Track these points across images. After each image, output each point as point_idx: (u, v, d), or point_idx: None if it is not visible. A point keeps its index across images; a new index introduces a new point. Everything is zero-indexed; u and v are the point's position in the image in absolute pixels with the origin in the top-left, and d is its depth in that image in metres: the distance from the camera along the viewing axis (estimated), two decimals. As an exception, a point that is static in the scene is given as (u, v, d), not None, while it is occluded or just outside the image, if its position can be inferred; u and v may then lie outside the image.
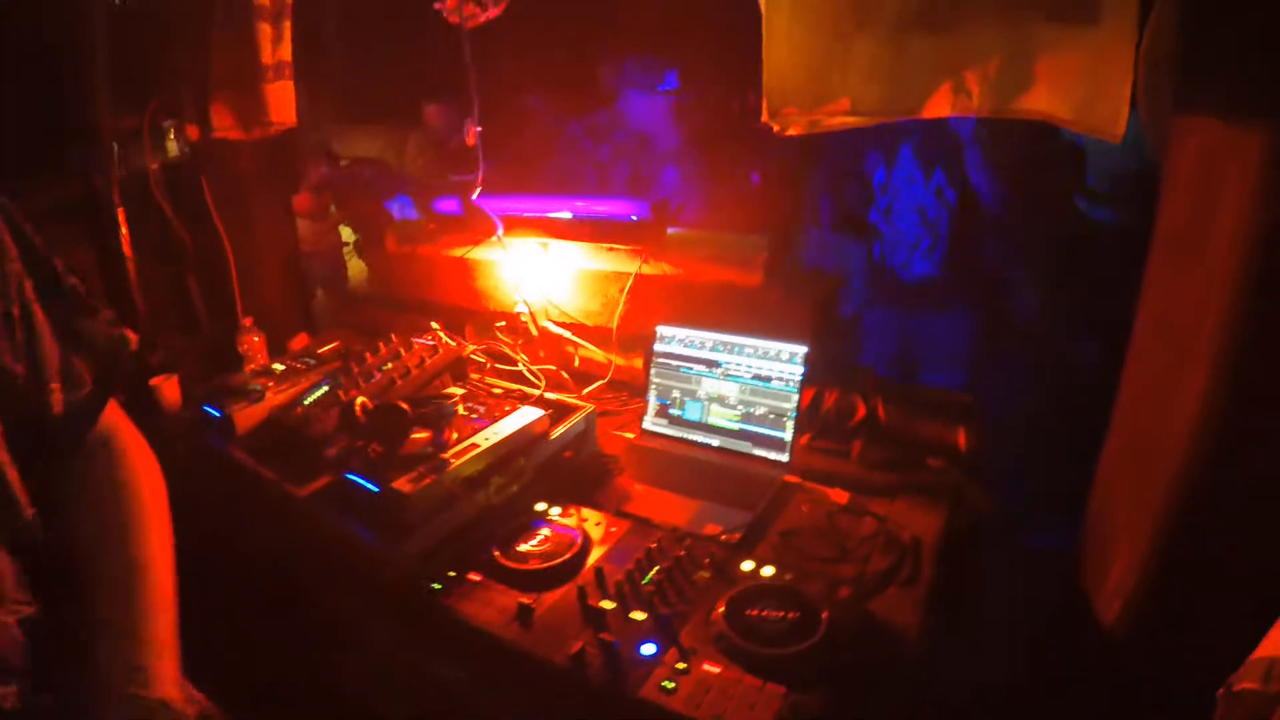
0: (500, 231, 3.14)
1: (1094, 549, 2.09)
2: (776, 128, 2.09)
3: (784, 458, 2.44)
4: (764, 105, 2.08)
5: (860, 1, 1.92)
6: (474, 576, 1.95)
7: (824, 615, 1.69)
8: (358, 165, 5.91)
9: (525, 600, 1.81)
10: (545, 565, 1.94)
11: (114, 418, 1.51)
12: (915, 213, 4.18)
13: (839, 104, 2.01)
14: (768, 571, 1.91)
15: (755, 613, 1.73)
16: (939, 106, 1.93)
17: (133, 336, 1.50)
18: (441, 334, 2.89)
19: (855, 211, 4.53)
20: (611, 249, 3.09)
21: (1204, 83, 1.64)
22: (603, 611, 1.78)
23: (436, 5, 2.90)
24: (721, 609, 1.74)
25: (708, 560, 1.95)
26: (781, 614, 1.72)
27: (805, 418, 2.52)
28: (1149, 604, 1.85)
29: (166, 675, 1.27)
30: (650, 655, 1.66)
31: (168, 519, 1.46)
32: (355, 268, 6.53)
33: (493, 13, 2.89)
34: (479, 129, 2.96)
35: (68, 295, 1.41)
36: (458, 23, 2.87)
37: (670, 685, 1.58)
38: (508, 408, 2.38)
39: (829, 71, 1.99)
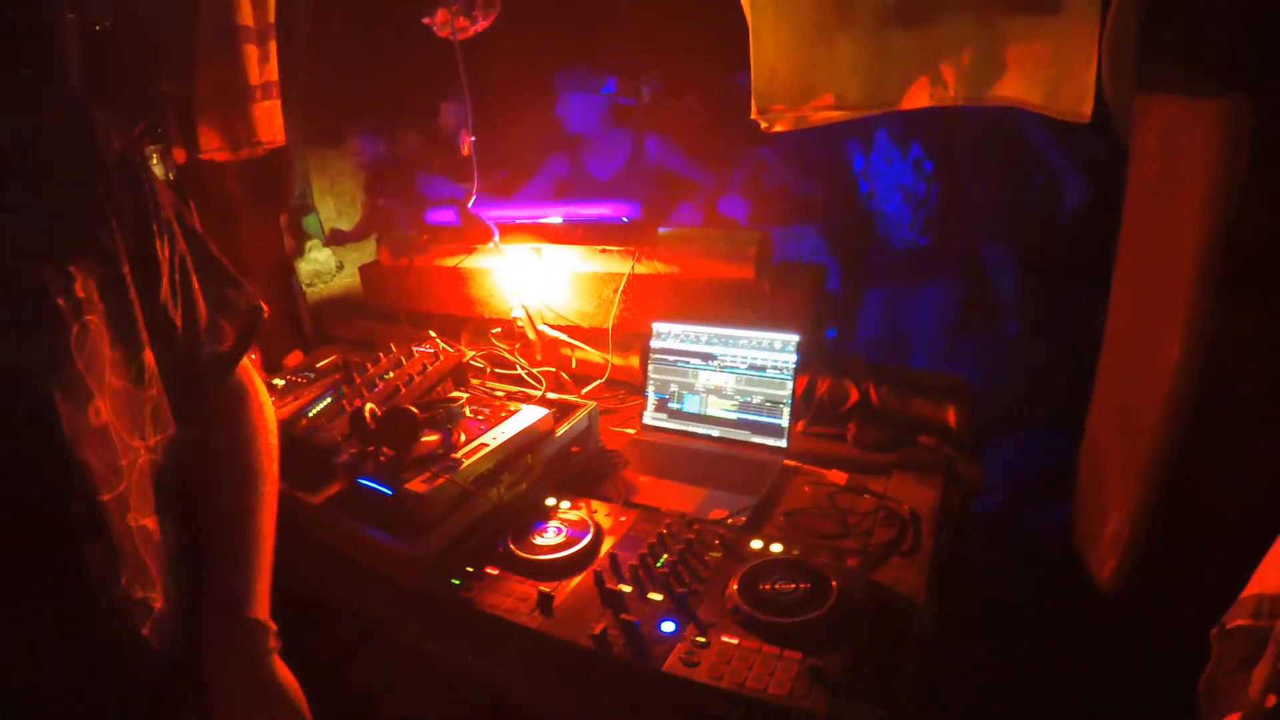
0: (497, 238, 3.20)
1: (1087, 510, 2.17)
2: (764, 125, 2.16)
3: (782, 443, 2.51)
4: (753, 103, 2.14)
5: (841, 1, 1.99)
6: (491, 570, 2.00)
7: (834, 584, 1.75)
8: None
9: (545, 589, 1.86)
10: (560, 555, 1.99)
11: (247, 369, 1.75)
12: (898, 191, 4.26)
13: (824, 99, 2.08)
14: (776, 548, 1.96)
15: (768, 586, 1.79)
16: (917, 98, 2.00)
17: (265, 307, 1.74)
18: (440, 341, 2.94)
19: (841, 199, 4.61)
20: (604, 250, 3.15)
21: (1163, 63, 1.73)
22: (621, 594, 1.83)
23: (425, 20, 2.96)
24: (735, 584, 1.80)
25: (717, 541, 2.01)
26: (793, 585, 1.78)
27: (800, 404, 2.59)
28: (1142, 557, 1.93)
29: (262, 599, 1.51)
30: (671, 632, 1.72)
31: (276, 455, 1.71)
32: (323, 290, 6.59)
33: (482, 25, 2.95)
34: (473, 139, 3.01)
35: (219, 269, 1.64)
36: (448, 36, 2.92)
37: (693, 659, 1.64)
38: (512, 408, 2.43)
39: (814, 68, 2.07)
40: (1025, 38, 1.88)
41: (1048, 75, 1.88)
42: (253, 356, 1.78)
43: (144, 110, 3.21)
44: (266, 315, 1.76)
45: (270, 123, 3.32)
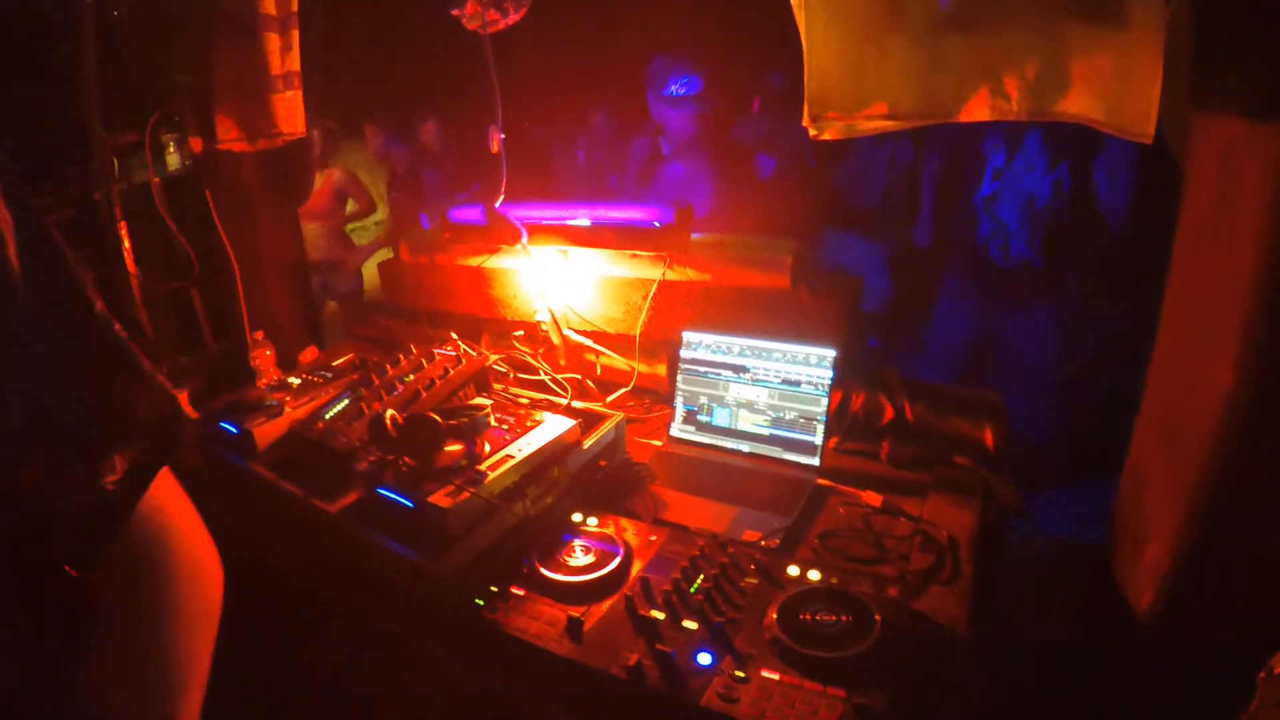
0: (525, 239, 3.11)
1: (1125, 535, 2.09)
2: (814, 132, 2.08)
3: (815, 461, 2.43)
4: (805, 110, 2.06)
5: (895, 4, 1.90)
6: (517, 590, 1.93)
7: (878, 617, 1.68)
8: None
9: (574, 613, 1.78)
10: (590, 577, 1.91)
11: (158, 506, 1.10)
12: (1025, 202, 4.12)
13: (876, 108, 1.99)
14: (814, 575, 1.89)
15: (808, 616, 1.71)
16: (977, 110, 1.91)
17: (192, 414, 1.12)
18: (461, 344, 2.86)
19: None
20: (634, 255, 3.07)
21: (1221, 79, 1.65)
22: (654, 621, 1.76)
23: (454, 12, 2.87)
24: (774, 614, 1.72)
25: (753, 566, 1.93)
26: (835, 617, 1.71)
27: (834, 420, 2.50)
28: (1184, 589, 1.86)
29: None
30: (708, 665, 1.64)
31: (215, 626, 1.12)
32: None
33: (513, 18, 2.87)
34: (503, 136, 2.93)
35: (104, 344, 1.06)
36: (477, 29, 2.84)
37: (732, 694, 1.56)
38: (538, 418, 2.35)
39: (865, 74, 1.98)
40: (1088, 50, 1.79)
41: (1110, 90, 1.79)
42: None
43: (159, 99, 3.12)
44: (194, 420, 1.10)
45: (291, 114, 3.24)
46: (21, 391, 0.92)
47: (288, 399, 2.70)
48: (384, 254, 6.89)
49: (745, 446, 2.55)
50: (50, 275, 0.99)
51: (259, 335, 3.09)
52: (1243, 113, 1.59)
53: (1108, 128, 1.81)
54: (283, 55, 3.12)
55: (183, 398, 1.11)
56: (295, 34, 3.14)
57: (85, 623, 1.01)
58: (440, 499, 1.95)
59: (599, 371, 3.11)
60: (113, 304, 2.94)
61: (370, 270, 6.49)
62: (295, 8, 3.11)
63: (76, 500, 0.97)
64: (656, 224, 2.96)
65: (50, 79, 2.78)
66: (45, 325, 0.96)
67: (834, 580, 1.87)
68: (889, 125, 2.02)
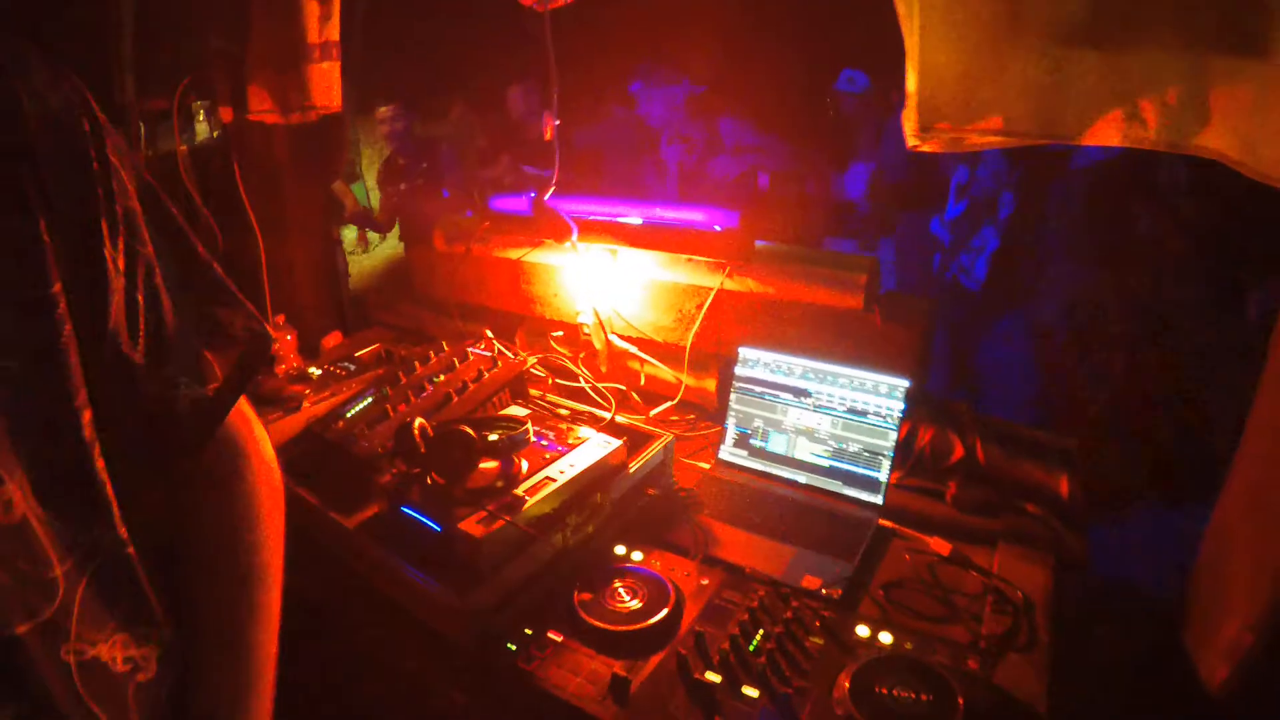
0: (575, 236, 2.92)
1: (1202, 603, 1.94)
2: (915, 143, 1.88)
3: (878, 499, 2.24)
4: (914, 118, 1.86)
5: (1019, 8, 1.71)
6: (554, 635, 1.74)
7: (960, 700, 1.50)
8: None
9: (619, 670, 1.59)
10: (639, 626, 1.72)
11: (244, 420, 1.34)
12: (992, 221, 4.00)
13: (991, 121, 1.80)
14: (885, 638, 1.71)
15: (884, 690, 1.53)
16: (1105, 133, 1.72)
17: (274, 334, 1.37)
18: (497, 344, 2.66)
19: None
20: (690, 260, 2.89)
21: None
22: (710, 686, 1.57)
23: (510, -15, 2.68)
24: (846, 685, 1.54)
25: (819, 624, 1.74)
26: (913, 694, 1.53)
27: (899, 455, 2.31)
28: (1264, 669, 1.69)
29: None
30: (773, 745, 1.44)
31: (282, 535, 1.35)
32: (354, 268, 6.39)
33: (573, -5, 2.66)
34: (557, 123, 2.73)
35: (207, 279, 1.25)
36: (534, 4, 2.63)
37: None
38: (580, 435, 2.15)
39: (981, 84, 1.79)
40: (1230, 80, 1.60)
41: (1247, 126, 1.61)
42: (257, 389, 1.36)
43: (190, 65, 2.95)
44: (275, 345, 1.29)
45: (326, 86, 3.08)
46: (152, 310, 1.11)
47: (307, 392, 2.53)
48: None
49: (802, 477, 2.35)
50: (163, 219, 1.15)
51: (279, 319, 2.91)
52: None
53: (1242, 168, 1.63)
54: (321, 24, 2.97)
55: (269, 327, 1.31)
56: (336, 2, 2.97)
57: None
58: (472, 526, 1.76)
59: (642, 382, 2.92)
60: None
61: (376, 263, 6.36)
62: (339, -28, 2.95)
63: (188, 404, 1.18)
64: (718, 228, 2.76)
65: (81, 37, 2.64)
66: (164, 257, 1.14)
67: (908, 645, 1.69)
68: (1000, 141, 1.83)
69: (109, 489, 1.06)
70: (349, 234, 6.93)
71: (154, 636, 1.11)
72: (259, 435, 1.36)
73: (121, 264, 1.06)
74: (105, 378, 1.05)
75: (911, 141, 1.88)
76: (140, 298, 1.10)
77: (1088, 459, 2.40)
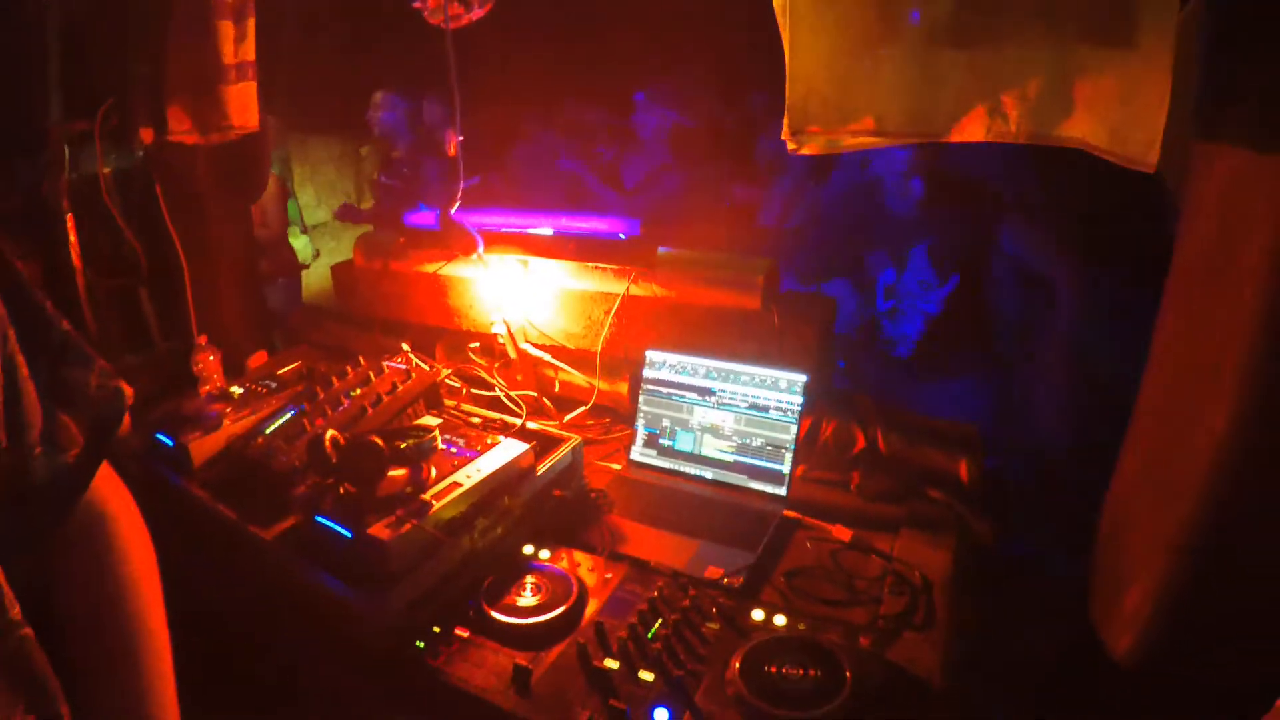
0: (481, 249, 2.97)
1: (1105, 577, 2.01)
2: (793, 146, 1.95)
3: (782, 491, 2.32)
4: (785, 122, 1.93)
5: (886, 12, 1.79)
6: (461, 632, 1.80)
7: (848, 673, 1.57)
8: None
9: (521, 661, 1.65)
10: (540, 619, 1.78)
11: (108, 482, 1.30)
12: (921, 316, 4.01)
13: (863, 123, 1.88)
14: (780, 621, 1.78)
15: (774, 669, 1.60)
16: (971, 129, 1.80)
17: (128, 390, 1.28)
18: (413, 356, 2.71)
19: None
20: (598, 268, 2.95)
21: (1229, 108, 1.57)
22: (608, 673, 1.63)
23: (415, 4, 2.73)
24: (737, 665, 1.61)
25: (715, 610, 1.81)
26: (802, 671, 1.59)
27: (802, 448, 2.38)
28: (1164, 636, 1.77)
29: None
30: (664, 723, 1.51)
31: (161, 594, 1.30)
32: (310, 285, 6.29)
33: (478, 13, 2.72)
34: (460, 139, 2.79)
35: (58, 336, 1.20)
36: (439, 23, 2.69)
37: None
38: (489, 440, 2.21)
39: (854, 87, 1.87)
40: (1094, 71, 1.70)
41: (1115, 114, 1.70)
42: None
43: (111, 88, 2.97)
44: (130, 400, 1.28)
45: (243, 106, 3.10)
46: (10, 379, 1.06)
47: (228, 410, 2.55)
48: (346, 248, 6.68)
49: (709, 473, 2.42)
50: (8, 277, 1.12)
51: (202, 339, 2.93)
52: (1250, 144, 1.51)
53: (1110, 155, 1.72)
54: (236, 44, 2.99)
55: (124, 385, 1.27)
56: (251, 22, 3.01)
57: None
58: (380, 531, 1.81)
59: (557, 389, 2.98)
60: (57, 299, 2.78)
61: (312, 281, 6.28)
62: (253, -4, 2.98)
63: (49, 473, 1.13)
64: (622, 236, 2.83)
65: (7, 60, 2.65)
66: (13, 317, 1.08)
67: (801, 627, 1.76)
68: (875, 141, 1.91)
69: None
70: (298, 243, 6.87)
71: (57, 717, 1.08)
72: (123, 496, 1.32)
73: None
74: None
75: (790, 146, 1.96)
76: None
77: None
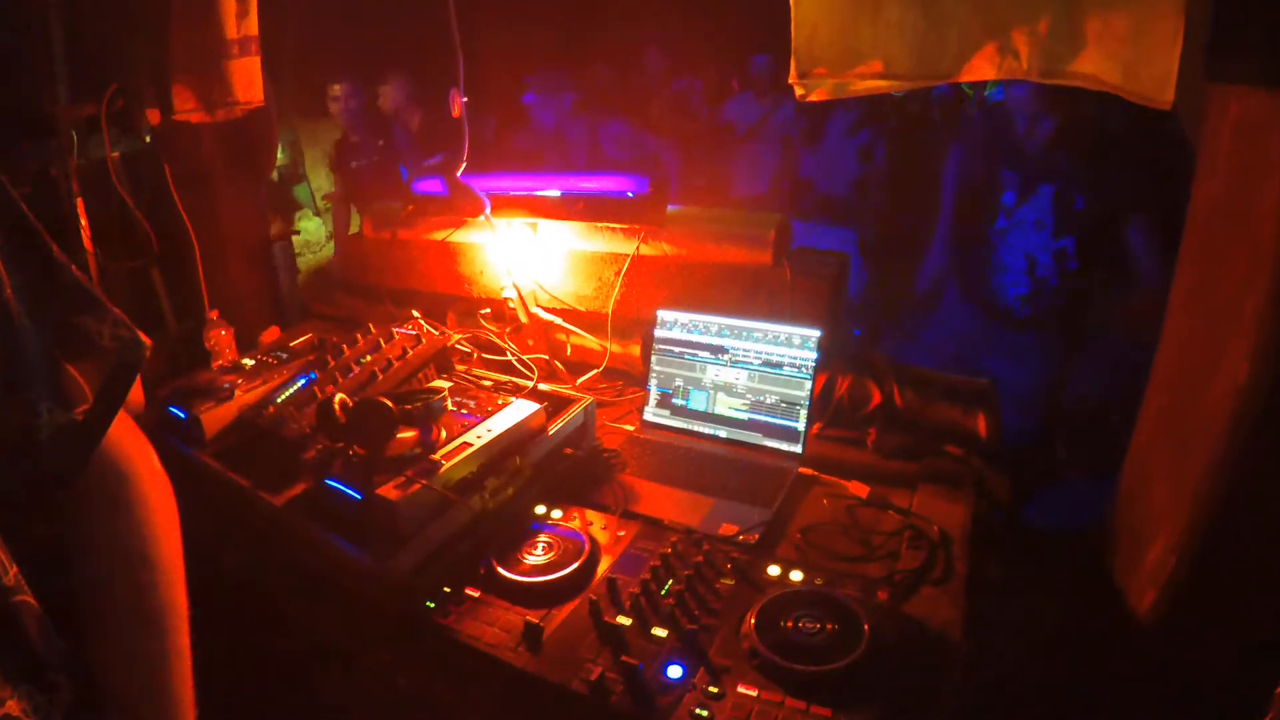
0: (488, 211, 2.95)
1: (1125, 532, 1.99)
2: (801, 92, 1.92)
3: (797, 449, 2.29)
4: (791, 66, 1.90)
5: None
6: (472, 592, 1.78)
7: (866, 626, 1.54)
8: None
9: (532, 619, 1.64)
10: (551, 577, 1.77)
11: (127, 435, 1.21)
12: (1024, 257, 3.88)
13: (870, 65, 1.85)
14: (796, 576, 1.76)
15: (790, 623, 1.58)
16: (981, 68, 1.77)
17: (146, 340, 1.19)
18: (423, 323, 2.70)
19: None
20: (607, 229, 2.93)
21: (1243, 49, 1.53)
22: (620, 629, 1.61)
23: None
24: (752, 620, 1.59)
25: (729, 565, 1.79)
26: (818, 625, 1.57)
27: (818, 405, 2.36)
28: (1187, 591, 1.75)
29: None
30: (678, 678, 1.50)
31: (181, 558, 1.23)
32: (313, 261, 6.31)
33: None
34: (464, 100, 2.76)
35: (64, 286, 1.11)
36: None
37: (704, 713, 1.41)
38: (500, 401, 2.20)
39: (859, 28, 1.83)
40: (1104, 7, 1.66)
41: (1127, 52, 1.67)
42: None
43: (117, 71, 2.96)
44: (149, 351, 1.19)
45: (248, 81, 3.09)
46: (4, 328, 1.00)
47: (239, 382, 2.55)
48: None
49: (723, 432, 2.40)
50: (11, 220, 1.06)
51: (214, 315, 2.93)
52: (1264, 83, 1.48)
53: (1124, 92, 1.69)
54: (239, 20, 2.99)
55: (141, 334, 1.19)
56: (254, -1, 2.99)
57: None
58: (389, 491, 1.80)
59: (569, 352, 2.96)
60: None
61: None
62: (252, -32, 2.96)
63: (54, 430, 1.05)
64: (630, 194, 2.80)
65: (10, 48, 2.64)
66: (13, 264, 1.03)
67: (818, 581, 1.74)
68: (884, 85, 1.88)
69: None
70: (310, 225, 6.86)
71: (54, 697, 1.04)
72: (145, 451, 1.25)
73: None
74: None
75: (798, 91, 1.93)
76: None
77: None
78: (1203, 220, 1.70)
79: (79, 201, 2.88)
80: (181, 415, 2.42)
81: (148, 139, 3.13)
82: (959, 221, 3.88)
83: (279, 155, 5.42)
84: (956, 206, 3.88)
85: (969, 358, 3.97)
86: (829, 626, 1.56)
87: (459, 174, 2.90)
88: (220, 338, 2.88)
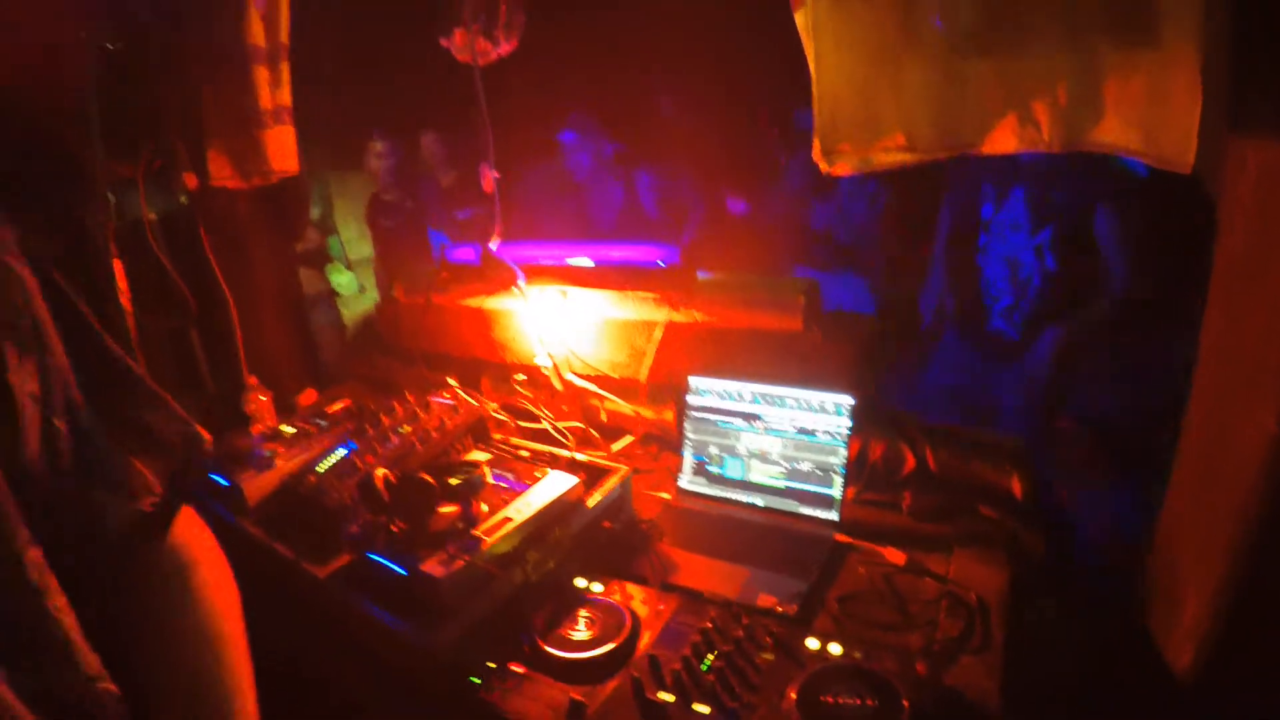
0: (521, 282, 3.00)
1: (1161, 590, 1.98)
2: (825, 167, 1.96)
3: (834, 515, 2.30)
4: (815, 142, 1.94)
5: (907, 20, 1.79)
6: (516, 667, 1.80)
7: (905, 703, 1.55)
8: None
9: (576, 695, 1.66)
10: (594, 654, 1.79)
11: (185, 525, 1.28)
12: (1005, 264, 3.94)
13: (894, 139, 1.88)
14: (835, 649, 1.77)
15: (830, 699, 1.59)
16: (1003, 141, 1.79)
17: (206, 436, 1.27)
18: (460, 391, 2.74)
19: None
20: (636, 296, 2.97)
21: (1261, 101, 1.54)
22: (663, 706, 1.63)
23: (444, 42, 2.77)
24: (794, 695, 1.60)
25: (769, 640, 1.80)
26: (859, 701, 1.58)
27: (853, 471, 2.38)
28: (1225, 647, 1.73)
29: None
30: (722, 757, 1.51)
31: (244, 641, 1.29)
32: (348, 316, 6.36)
33: (505, 49, 2.76)
34: (496, 175, 2.82)
35: (126, 382, 1.18)
36: (468, 60, 2.73)
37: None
38: (538, 474, 2.23)
39: (881, 103, 1.87)
40: (1121, 72, 1.69)
41: (1145, 116, 1.69)
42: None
43: (152, 134, 3.02)
44: (208, 446, 1.28)
45: (282, 150, 3.16)
46: (72, 428, 1.04)
47: (279, 449, 2.59)
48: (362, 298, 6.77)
49: (759, 500, 2.42)
50: (72, 319, 1.11)
51: (253, 381, 2.97)
52: None
53: (1144, 157, 1.71)
54: (272, 90, 3.07)
55: (200, 428, 1.27)
56: (285, 67, 3.08)
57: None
58: (433, 567, 1.84)
59: (603, 418, 2.99)
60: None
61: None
62: (285, 39, 3.04)
63: (121, 520, 1.12)
64: (661, 264, 2.84)
65: (52, 112, 2.71)
66: (77, 360, 1.08)
67: (857, 655, 1.75)
68: (907, 158, 1.91)
69: (71, 630, 1.01)
70: (343, 279, 6.92)
71: None
72: (206, 541, 1.30)
73: (33, 386, 1.00)
74: (31, 507, 0.98)
75: (822, 167, 1.96)
76: (58, 422, 1.03)
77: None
78: (1227, 273, 1.72)
79: (116, 262, 2.94)
80: (224, 483, 2.46)
81: (183, 199, 3.17)
82: (954, 245, 3.96)
83: (313, 210, 5.52)
84: (951, 231, 3.97)
85: (971, 388, 4.03)
86: (869, 702, 1.57)
87: (492, 247, 2.96)
88: (260, 403, 2.93)
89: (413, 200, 6.16)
